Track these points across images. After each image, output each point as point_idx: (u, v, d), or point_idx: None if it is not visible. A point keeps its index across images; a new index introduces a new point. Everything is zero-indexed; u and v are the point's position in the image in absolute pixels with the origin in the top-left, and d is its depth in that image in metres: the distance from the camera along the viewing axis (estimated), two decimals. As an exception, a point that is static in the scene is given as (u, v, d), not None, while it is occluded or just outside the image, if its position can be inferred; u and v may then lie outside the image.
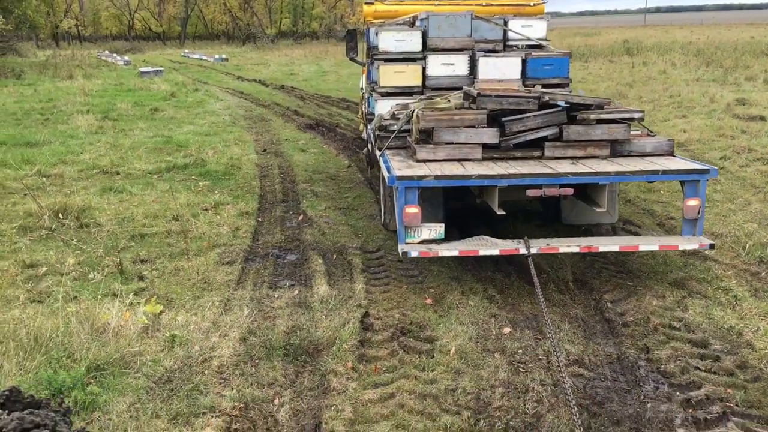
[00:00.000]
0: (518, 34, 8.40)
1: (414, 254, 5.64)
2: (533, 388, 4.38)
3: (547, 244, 5.75)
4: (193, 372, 4.55)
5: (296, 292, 5.98)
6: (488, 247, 5.74)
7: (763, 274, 6.16)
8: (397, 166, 6.05)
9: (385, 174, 5.96)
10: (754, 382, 4.42)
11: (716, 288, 5.89)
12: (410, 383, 4.45)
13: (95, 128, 14.43)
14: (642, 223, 7.65)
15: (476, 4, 9.35)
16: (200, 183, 9.92)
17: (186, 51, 57.48)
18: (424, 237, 5.78)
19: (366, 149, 9.82)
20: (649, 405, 4.19)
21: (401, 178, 5.62)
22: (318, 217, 8.32)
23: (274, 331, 5.18)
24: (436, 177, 5.64)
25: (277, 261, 6.85)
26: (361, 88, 11.02)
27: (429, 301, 5.75)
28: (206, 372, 4.56)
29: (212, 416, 4.06)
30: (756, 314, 5.38)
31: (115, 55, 45.45)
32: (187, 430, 3.91)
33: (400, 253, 5.69)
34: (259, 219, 8.30)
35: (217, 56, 44.64)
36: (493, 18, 8.52)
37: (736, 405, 4.18)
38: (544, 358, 4.78)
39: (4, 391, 3.26)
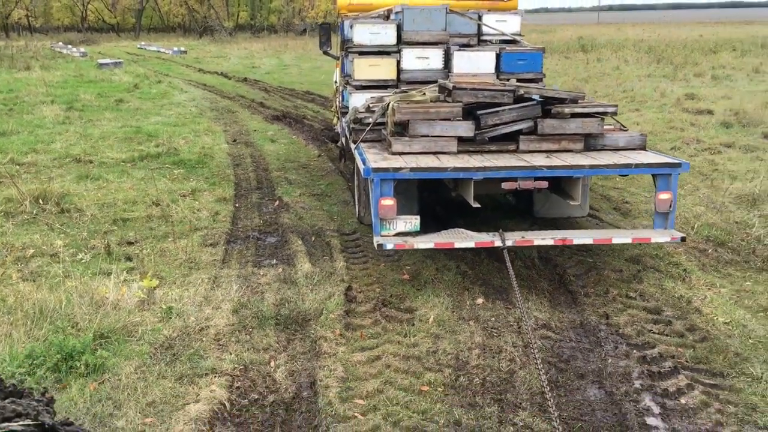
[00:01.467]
0: (492, 28, 8.38)
1: (389, 246, 5.64)
2: (506, 349, 4.82)
3: (522, 237, 5.80)
4: (192, 339, 4.88)
5: (280, 269, 6.33)
6: (464, 239, 5.75)
7: (709, 250, 6.72)
8: (372, 158, 6.03)
9: (361, 166, 5.96)
10: (702, 342, 4.93)
11: (668, 263, 6.43)
12: (394, 347, 4.85)
13: (62, 118, 14.47)
14: (600, 207, 8.18)
15: None
16: (175, 171, 10.15)
17: (142, 43, 56.85)
18: (399, 229, 5.78)
19: (340, 142, 9.98)
20: (609, 361, 4.68)
21: (377, 170, 5.62)
22: (294, 203, 8.65)
23: (263, 303, 5.53)
24: (412, 169, 5.66)
25: (258, 243, 7.18)
26: (335, 82, 11.04)
27: (406, 276, 6.15)
28: (204, 339, 4.90)
29: (215, 376, 4.40)
30: (703, 285, 5.92)
31: (69, 46, 44.78)
32: (192, 388, 4.25)
33: (375, 246, 5.67)
34: (237, 204, 8.60)
35: (175, 49, 44.31)
36: (468, 12, 8.48)
37: (686, 361, 4.68)
38: (515, 324, 5.22)
39: None
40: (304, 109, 17.33)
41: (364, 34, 7.86)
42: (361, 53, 7.87)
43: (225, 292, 5.74)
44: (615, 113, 6.56)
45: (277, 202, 8.71)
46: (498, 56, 7.57)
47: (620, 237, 6.02)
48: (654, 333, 5.10)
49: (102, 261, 6.45)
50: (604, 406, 4.20)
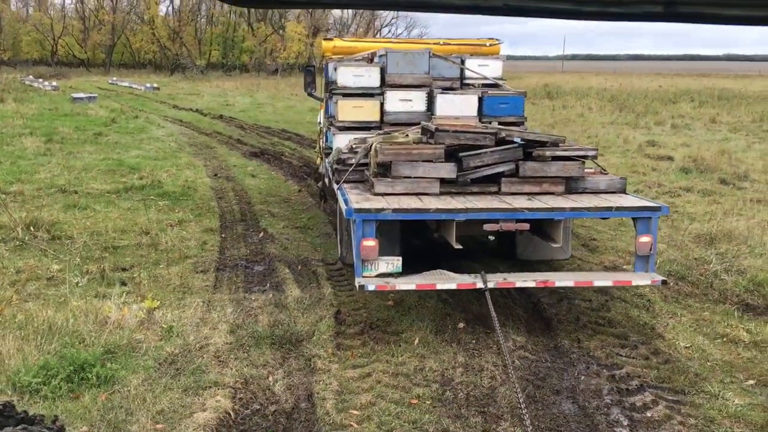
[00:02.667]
0: (475, 72, 8.55)
1: (371, 288, 5.60)
2: (487, 368, 5.22)
3: (504, 279, 5.79)
4: (193, 356, 5.18)
5: (270, 295, 6.66)
6: (446, 281, 5.74)
7: (671, 283, 7.23)
8: (355, 199, 6.04)
9: (343, 207, 5.96)
10: (665, 364, 5.38)
11: (633, 294, 6.91)
12: (383, 365, 5.21)
13: (43, 150, 14.66)
14: (569, 243, 8.68)
15: (434, 43, 9.47)
16: (160, 203, 10.44)
17: (114, 78, 56.92)
18: (381, 270, 5.71)
19: (322, 182, 10.03)
20: (582, 379, 5.10)
21: (359, 210, 5.63)
22: (278, 234, 9.00)
23: (258, 324, 5.85)
24: (394, 210, 5.68)
25: (246, 271, 7.50)
26: (319, 123, 11.16)
27: (390, 303, 6.53)
28: (205, 356, 5.20)
29: (218, 389, 4.71)
30: (665, 314, 6.41)
31: (40, 80, 44.74)
32: (198, 399, 4.55)
33: (357, 287, 5.62)
34: (223, 235, 8.92)
35: (148, 85, 44.58)
36: (451, 56, 8.66)
37: (651, 380, 5.11)
38: (494, 346, 5.63)
39: None
40: (281, 147, 17.76)
41: (348, 76, 8.02)
42: (345, 95, 8.02)
43: (220, 314, 6.05)
44: (595, 157, 6.71)
45: (261, 234, 9.05)
46: (480, 99, 7.75)
47: (601, 280, 6.07)
48: (621, 356, 5.53)
49: (98, 285, 6.71)
50: (577, 418, 4.60)
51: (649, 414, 4.63)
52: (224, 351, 5.31)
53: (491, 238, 7.48)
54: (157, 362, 5.02)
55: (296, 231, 9.26)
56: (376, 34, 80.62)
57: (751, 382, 5.11)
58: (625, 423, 4.53)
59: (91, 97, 29.07)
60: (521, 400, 4.14)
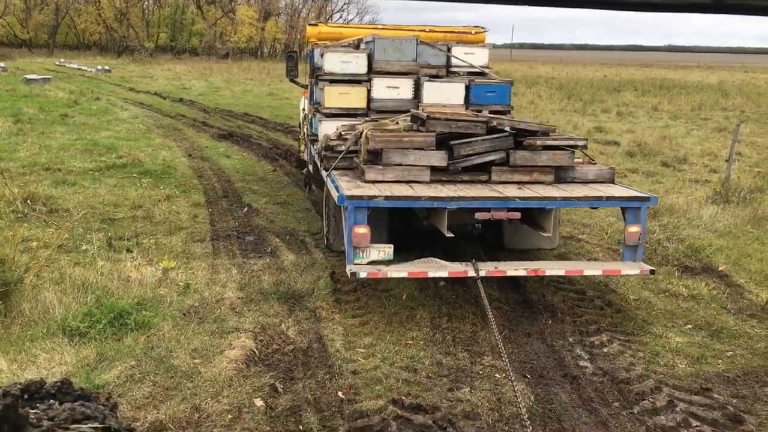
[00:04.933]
0: (462, 60, 8.47)
1: (363, 275, 5.64)
2: (468, 317, 6.03)
3: (495, 267, 5.86)
4: (212, 308, 5.87)
5: (267, 260, 7.35)
6: (437, 269, 5.82)
7: (620, 250, 8.18)
8: (345, 186, 6.04)
9: (334, 194, 5.96)
10: (617, 313, 6.30)
11: (589, 258, 7.83)
12: (378, 315, 5.98)
13: (15, 130, 14.90)
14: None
15: (419, 30, 9.34)
16: (143, 180, 10.94)
17: (61, 60, 55.87)
18: (373, 258, 5.77)
19: (306, 169, 10.13)
20: (549, 324, 5.97)
21: (351, 197, 5.64)
22: (262, 209, 9.66)
23: (262, 283, 6.56)
24: (386, 197, 5.71)
25: (239, 240, 8.16)
26: (303, 109, 11.07)
27: (377, 266, 7.28)
28: (222, 308, 5.89)
29: (240, 333, 5.41)
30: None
31: (-14, 60, 43.83)
32: (224, 340, 5.25)
33: (348, 274, 5.69)
34: (210, 209, 9.53)
35: (99, 67, 44.05)
36: (437, 44, 8.60)
37: (606, 325, 6.01)
38: (472, 300, 6.45)
39: (56, 382, 3.32)
40: (247, 129, 18.27)
41: (335, 62, 7.99)
42: (332, 81, 7.97)
43: (227, 275, 6.73)
44: (585, 146, 6.81)
45: (246, 208, 9.69)
46: (467, 88, 7.81)
47: (591, 269, 6.23)
48: (581, 307, 6.43)
49: (105, 252, 7.29)
50: (547, 353, 5.46)
51: (605, 350, 5.52)
52: (238, 304, 6.01)
53: (478, 226, 7.87)
54: (181, 312, 5.69)
55: (278, 206, 9.92)
56: (328, 19, 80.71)
57: (689, 326, 6.06)
58: (586, 357, 5.42)
59: (45, 78, 28.84)
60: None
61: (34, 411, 2.86)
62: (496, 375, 5.03)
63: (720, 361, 5.41)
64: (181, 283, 6.26)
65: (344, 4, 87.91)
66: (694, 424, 4.44)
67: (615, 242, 8.50)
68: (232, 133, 17.12)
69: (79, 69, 45.33)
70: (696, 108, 26.27)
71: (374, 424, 4.27)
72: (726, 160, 11.48)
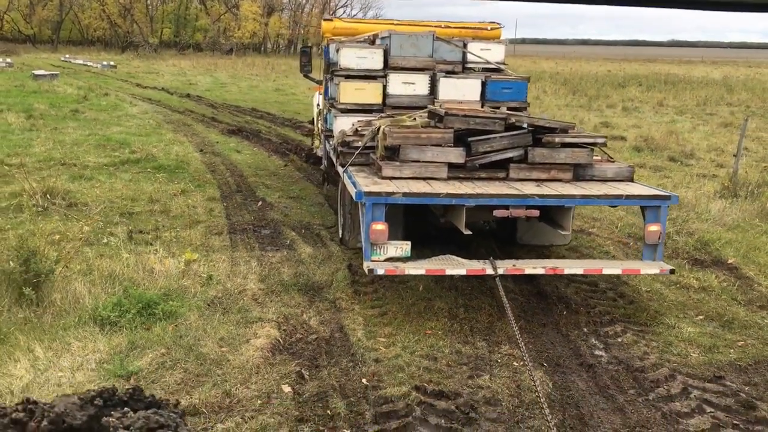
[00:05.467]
0: (477, 56, 8.46)
1: (380, 272, 5.64)
2: (484, 308, 6.18)
3: (514, 265, 5.84)
4: (235, 298, 6.02)
5: (285, 253, 7.50)
6: (455, 266, 5.80)
7: (630, 243, 8.33)
8: (363, 182, 6.00)
9: (352, 190, 5.93)
10: (630, 304, 6.44)
11: (600, 252, 7.97)
12: (396, 306, 6.12)
13: (28, 126, 15.06)
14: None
15: (435, 26, 9.27)
16: (158, 175, 11.07)
17: (66, 56, 56.02)
18: (390, 254, 5.75)
19: (323, 164, 10.12)
20: (564, 314, 6.11)
21: (369, 194, 5.62)
22: (276, 203, 9.81)
23: (282, 275, 6.70)
24: (405, 194, 5.69)
25: (256, 233, 8.30)
26: (318, 105, 11.05)
27: (392, 259, 7.42)
28: (245, 299, 6.04)
29: (264, 322, 5.56)
30: (628, 266, 7.47)
31: (-8, 55, 43.96)
32: (249, 330, 5.40)
33: (366, 270, 5.68)
34: (225, 204, 9.67)
35: (104, 63, 44.18)
36: (453, 40, 8.57)
37: (620, 316, 6.15)
38: (488, 291, 6.59)
39: (127, 389, 3.38)
40: (256, 125, 18.42)
41: (351, 58, 7.99)
42: (348, 77, 7.98)
43: (247, 267, 6.88)
44: (604, 144, 6.76)
45: (260, 203, 9.83)
46: (484, 84, 7.80)
47: (610, 268, 6.18)
48: (594, 299, 6.57)
49: (126, 245, 7.44)
50: (562, 343, 5.61)
51: (619, 340, 5.66)
52: (260, 295, 6.16)
53: (492, 222, 7.78)
54: (205, 303, 5.85)
55: (291, 200, 10.07)
56: (332, 14, 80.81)
57: (701, 317, 6.20)
58: (601, 346, 5.56)
59: (53, 74, 29.00)
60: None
61: (110, 419, 2.95)
62: (514, 363, 5.18)
63: (731, 350, 5.55)
64: (203, 275, 6.41)
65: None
66: (708, 411, 4.58)
67: (625, 235, 8.64)
68: (241, 129, 17.26)
69: (84, 65, 45.45)
70: (701, 103, 26.36)
71: (399, 409, 4.42)
72: (734, 155, 11.60)
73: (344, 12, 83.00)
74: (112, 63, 44.45)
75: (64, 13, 77.36)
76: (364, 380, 4.79)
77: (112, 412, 3.06)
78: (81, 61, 48.31)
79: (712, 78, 41.55)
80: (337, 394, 4.58)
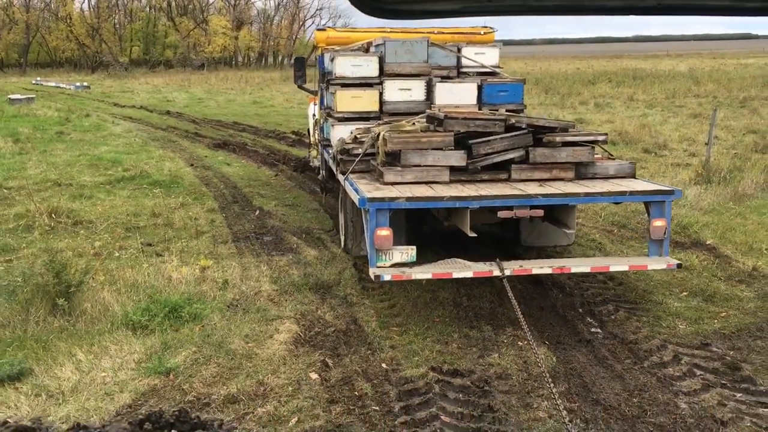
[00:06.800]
0: (472, 60, 8.49)
1: (387, 278, 5.62)
2: (486, 296, 6.62)
3: (520, 266, 5.85)
4: (252, 300, 6.39)
5: (290, 256, 7.87)
6: (461, 269, 5.79)
7: (615, 230, 8.83)
8: (365, 188, 6.00)
9: (355, 197, 5.92)
10: (620, 286, 6.92)
11: (588, 240, 8.45)
12: (404, 300, 6.53)
13: (17, 150, 15.25)
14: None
15: (428, 32, 9.21)
16: (155, 190, 11.41)
17: (38, 78, 55.78)
18: (396, 260, 5.73)
19: (321, 174, 10.14)
20: (560, 298, 6.57)
21: (372, 200, 5.61)
22: (273, 211, 10.18)
23: (292, 277, 7.08)
24: (408, 199, 5.68)
25: (259, 240, 8.66)
26: (313, 115, 11.07)
27: (393, 256, 7.83)
28: (261, 300, 6.41)
29: (282, 319, 5.94)
30: (615, 252, 7.96)
31: (-37, 82, 43.72)
32: (271, 327, 5.78)
33: (372, 277, 5.66)
34: (224, 214, 10.02)
35: (77, 84, 44.13)
36: (447, 45, 8.62)
37: (611, 297, 6.62)
38: (487, 281, 7.01)
39: (174, 411, 3.60)
40: (240, 138, 18.75)
41: (346, 66, 8.00)
42: (343, 85, 8.01)
43: (258, 271, 7.25)
44: (605, 141, 6.76)
45: (257, 212, 10.20)
46: (480, 88, 7.87)
47: (617, 265, 6.21)
48: (586, 283, 7.03)
49: (136, 257, 7.77)
50: (561, 323, 6.06)
51: (613, 317, 6.13)
52: (274, 295, 6.54)
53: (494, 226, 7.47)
54: (225, 305, 6.21)
55: (287, 208, 10.44)
56: (301, 25, 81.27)
57: (685, 293, 6.69)
58: (597, 324, 6.02)
59: (29, 98, 29.04)
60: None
61: None
62: (519, 343, 5.61)
63: (716, 321, 6.04)
64: (219, 280, 6.77)
65: (317, 10, 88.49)
66: (698, 373, 5.05)
67: (609, 224, 9.14)
68: (226, 142, 17.59)
69: (57, 87, 45.32)
70: (670, 96, 27.15)
71: (419, 387, 4.83)
72: (705, 144, 12.19)
73: (313, 22, 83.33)
74: (85, 84, 44.41)
75: (31, 35, 76.91)
76: (383, 365, 5.20)
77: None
78: (54, 84, 48.14)
79: (679, 71, 42.57)
80: (361, 378, 4.98)
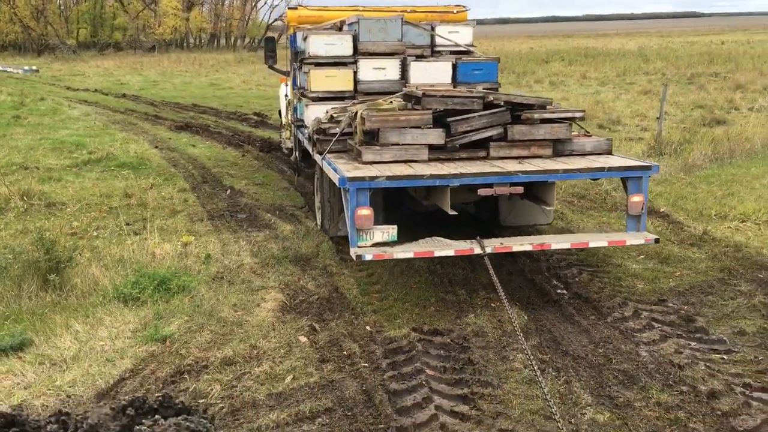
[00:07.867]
0: (446, 39, 8.46)
1: (368, 257, 5.61)
2: (459, 263, 6.98)
3: (501, 243, 5.90)
4: (236, 272, 6.65)
5: (267, 232, 8.13)
6: (443, 247, 5.81)
7: (575, 201, 9.30)
8: (344, 168, 5.94)
9: (334, 176, 5.90)
10: (581, 251, 7.33)
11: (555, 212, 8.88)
12: (381, 268, 6.85)
13: (-25, 133, 15.07)
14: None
15: (401, 11, 9.18)
16: (123, 172, 11.49)
17: (-18, 63, 54.26)
18: (377, 239, 5.72)
19: (294, 155, 10.18)
20: (527, 263, 6.99)
21: (353, 179, 5.57)
22: (244, 190, 10.39)
23: (271, 251, 7.35)
24: (388, 177, 5.65)
25: (233, 218, 8.88)
26: (286, 96, 10.92)
27: (366, 229, 8.14)
28: (244, 272, 6.67)
29: (267, 289, 6.23)
30: (576, 221, 8.42)
31: None
32: (257, 296, 6.06)
33: (353, 257, 5.64)
34: (196, 194, 10.19)
35: (26, 68, 43.06)
36: (420, 24, 8.62)
37: (574, 261, 7.06)
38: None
39: (157, 396, 3.53)
40: (202, 120, 18.78)
41: (319, 45, 7.93)
42: (317, 65, 7.96)
43: (237, 246, 7.49)
44: (582, 118, 6.81)
45: (228, 191, 10.39)
46: (454, 66, 7.92)
47: (596, 241, 6.23)
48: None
49: (116, 235, 7.93)
50: (529, 286, 6.47)
51: (577, 279, 6.57)
52: (257, 268, 6.80)
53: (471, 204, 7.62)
54: (210, 278, 6.46)
55: (258, 187, 10.66)
56: (254, 6, 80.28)
57: (642, 256, 7.17)
58: (562, 286, 6.45)
59: (-22, 82, 28.42)
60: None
61: (142, 427, 3.13)
62: (492, 305, 5.99)
63: (671, 280, 6.52)
64: (201, 255, 7.00)
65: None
66: (657, 326, 5.51)
67: (569, 195, 9.60)
68: (188, 125, 17.61)
69: (5, 71, 44.15)
70: (621, 74, 27.93)
71: (403, 345, 5.19)
72: (657, 118, 12.76)
73: (265, 3, 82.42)
74: (34, 67, 43.36)
75: (-28, 18, 74.44)
76: (367, 327, 5.53)
77: (144, 421, 3.23)
78: (1, 68, 46.93)
79: (629, 49, 43.55)
80: (348, 339, 5.31)
